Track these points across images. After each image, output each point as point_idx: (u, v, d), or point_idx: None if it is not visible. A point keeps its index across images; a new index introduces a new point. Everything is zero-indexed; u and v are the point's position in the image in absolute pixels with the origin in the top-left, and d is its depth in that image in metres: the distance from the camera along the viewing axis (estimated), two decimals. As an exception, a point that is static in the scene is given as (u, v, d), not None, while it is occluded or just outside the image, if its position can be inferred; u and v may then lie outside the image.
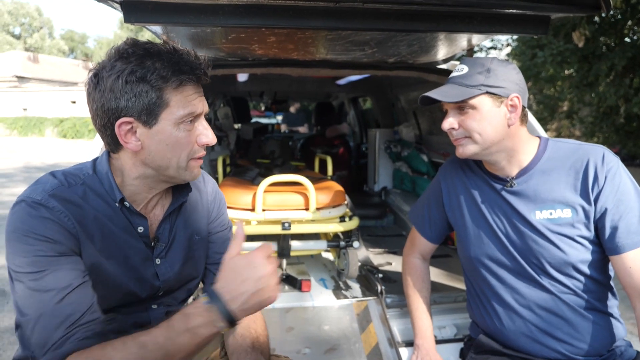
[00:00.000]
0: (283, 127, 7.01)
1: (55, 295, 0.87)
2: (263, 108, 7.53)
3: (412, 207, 1.59)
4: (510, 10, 1.40)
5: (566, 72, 7.11)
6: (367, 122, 5.16)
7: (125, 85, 0.89)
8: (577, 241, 1.19)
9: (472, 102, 1.18)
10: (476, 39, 1.86)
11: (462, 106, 1.20)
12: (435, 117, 3.13)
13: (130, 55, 0.89)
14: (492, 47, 10.36)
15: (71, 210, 0.93)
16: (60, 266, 0.89)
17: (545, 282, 1.23)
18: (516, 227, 1.25)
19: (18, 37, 40.90)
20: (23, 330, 0.94)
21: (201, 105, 0.97)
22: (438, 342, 1.72)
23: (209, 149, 3.38)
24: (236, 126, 4.60)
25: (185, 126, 0.95)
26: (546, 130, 10.67)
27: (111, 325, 1.04)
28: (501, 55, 11.19)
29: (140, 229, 1.03)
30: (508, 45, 9.69)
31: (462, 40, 1.87)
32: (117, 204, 0.99)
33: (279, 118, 7.42)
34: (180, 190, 1.10)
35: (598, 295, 1.23)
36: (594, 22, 5.79)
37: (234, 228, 0.96)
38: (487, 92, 1.17)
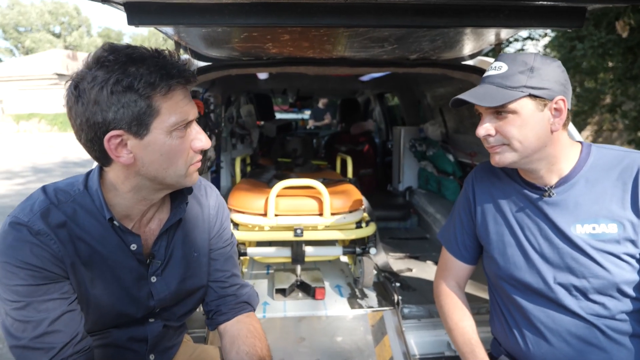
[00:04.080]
0: (310, 123, 6.93)
1: (36, 326, 0.86)
2: (290, 101, 7.47)
3: (442, 228, 1.43)
4: (542, 2, 1.28)
5: (610, 64, 6.68)
6: (394, 118, 5.02)
7: (111, 96, 0.83)
8: (623, 259, 1.07)
9: (512, 106, 1.05)
10: (505, 33, 1.73)
11: (500, 110, 1.08)
12: (463, 115, 2.98)
13: (112, 63, 0.84)
14: (528, 37, 9.88)
15: (59, 233, 0.90)
16: (43, 295, 0.87)
17: (580, 305, 1.11)
18: (552, 242, 1.13)
19: (58, 36, 42.58)
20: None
21: (193, 110, 0.93)
22: (456, 357, 1.62)
23: (229, 147, 3.36)
24: (260, 123, 4.57)
25: (178, 133, 0.90)
26: (587, 124, 10.12)
27: (108, 339, 1.01)
28: (538, 46, 10.68)
29: (134, 247, 0.99)
30: (546, 35, 9.23)
31: (490, 35, 1.74)
32: (107, 221, 0.95)
33: (306, 113, 7.35)
34: (178, 205, 1.05)
35: (638, 319, 1.10)
36: (640, 9, 5.38)
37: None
38: (530, 95, 1.05)
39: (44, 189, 0.95)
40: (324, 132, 5.98)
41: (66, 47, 38.97)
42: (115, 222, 0.95)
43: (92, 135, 0.88)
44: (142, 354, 1.07)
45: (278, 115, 5.72)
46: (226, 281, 1.17)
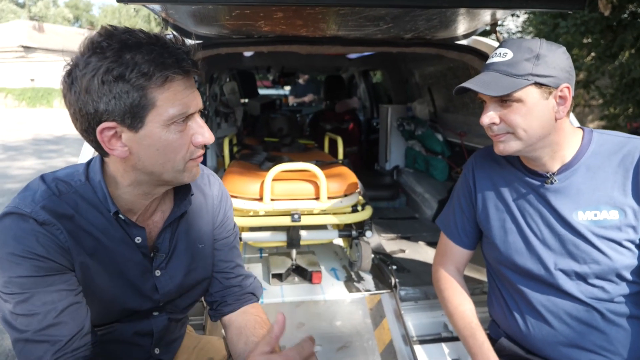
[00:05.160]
0: (291, 100, 6.81)
1: (42, 319, 0.81)
2: (271, 78, 7.29)
3: (441, 214, 1.43)
4: (546, -17, 1.25)
5: (585, 40, 6.75)
6: (378, 95, 4.98)
7: (102, 86, 0.77)
8: (624, 246, 1.08)
9: (518, 94, 1.04)
10: (501, 13, 1.70)
11: (505, 98, 1.06)
12: (452, 95, 2.97)
13: (105, 50, 0.77)
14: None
15: (64, 223, 0.85)
16: (49, 287, 0.83)
17: (580, 289, 1.13)
18: (554, 229, 1.14)
19: (22, 6, 40.16)
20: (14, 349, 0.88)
21: (194, 102, 0.86)
22: (453, 338, 1.65)
23: (215, 126, 3.27)
24: (243, 101, 4.46)
25: (176, 127, 0.84)
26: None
27: (113, 334, 0.99)
28: (518, 22, 10.69)
29: (138, 240, 0.95)
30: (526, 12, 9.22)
31: (486, 15, 1.71)
32: (112, 215, 0.91)
33: (287, 89, 7.20)
34: (182, 197, 1.01)
35: (636, 302, 1.14)
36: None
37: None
38: (535, 83, 1.03)
39: (42, 178, 0.90)
40: (307, 109, 5.89)
41: (31, 18, 36.79)
42: (120, 216, 0.91)
43: (87, 126, 0.83)
44: (148, 348, 1.05)
45: (260, 92, 5.57)
46: (231, 272, 1.14)
